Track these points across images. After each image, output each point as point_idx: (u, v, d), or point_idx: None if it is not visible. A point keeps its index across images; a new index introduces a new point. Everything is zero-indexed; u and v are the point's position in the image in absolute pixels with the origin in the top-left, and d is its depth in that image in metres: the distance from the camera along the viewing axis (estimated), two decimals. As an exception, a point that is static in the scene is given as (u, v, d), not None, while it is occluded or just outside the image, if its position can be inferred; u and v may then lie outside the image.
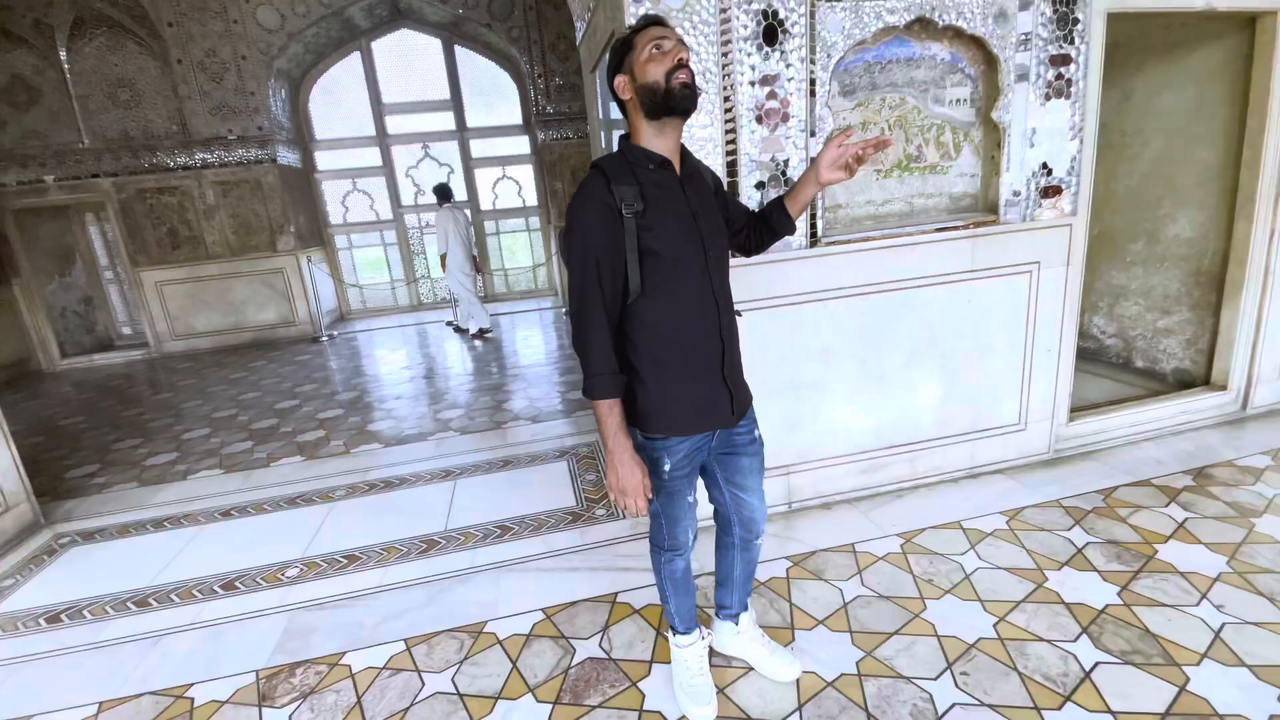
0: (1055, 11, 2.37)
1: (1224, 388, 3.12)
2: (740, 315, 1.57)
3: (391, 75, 8.33)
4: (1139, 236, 3.47)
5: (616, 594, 2.20)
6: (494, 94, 8.67)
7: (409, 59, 8.34)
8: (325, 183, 8.54)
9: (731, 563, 1.71)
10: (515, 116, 8.71)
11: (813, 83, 2.25)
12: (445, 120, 8.63)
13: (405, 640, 2.06)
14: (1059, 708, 1.57)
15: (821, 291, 2.43)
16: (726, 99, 2.18)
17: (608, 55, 1.39)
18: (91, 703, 1.91)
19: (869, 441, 2.67)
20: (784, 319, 2.42)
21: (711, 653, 1.84)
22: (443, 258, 6.77)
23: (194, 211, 7.27)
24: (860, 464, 2.68)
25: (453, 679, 1.87)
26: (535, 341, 6.51)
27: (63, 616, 2.37)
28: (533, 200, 9.16)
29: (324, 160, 8.47)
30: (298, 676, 1.94)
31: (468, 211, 8.25)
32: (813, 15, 2.18)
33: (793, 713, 1.63)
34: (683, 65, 1.27)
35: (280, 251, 7.54)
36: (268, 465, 3.73)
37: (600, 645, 1.95)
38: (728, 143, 2.23)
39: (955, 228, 2.52)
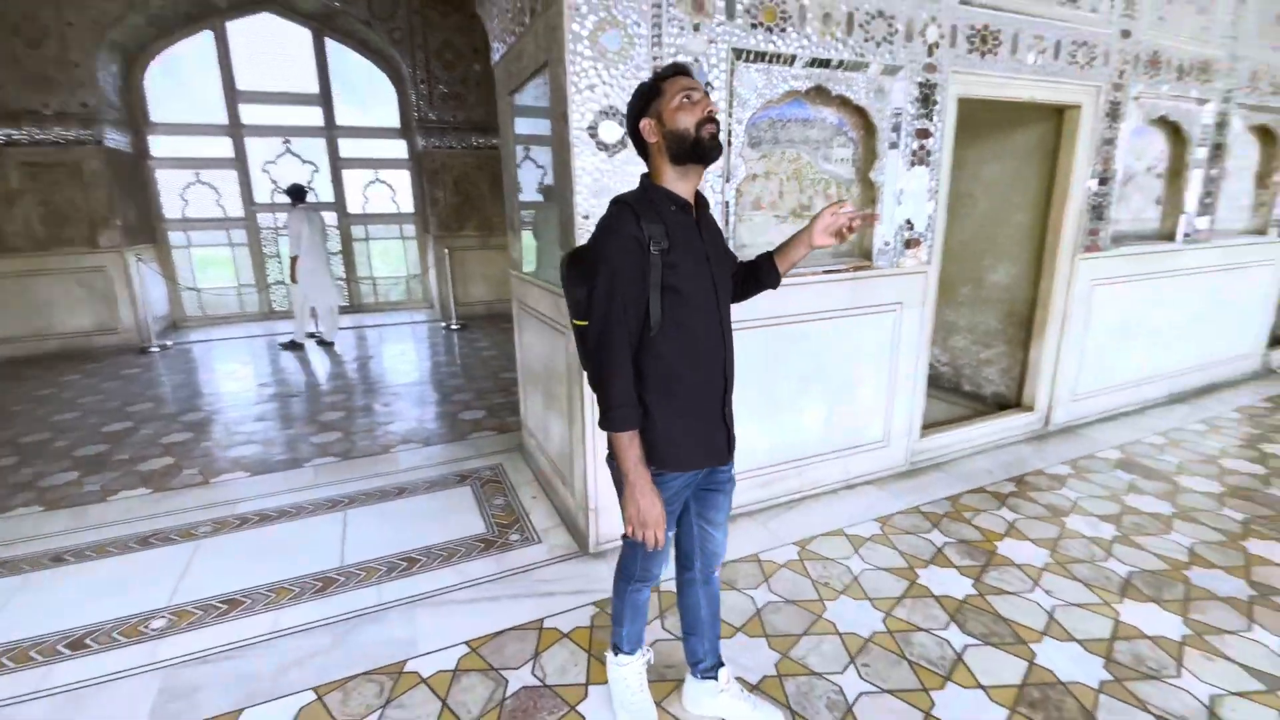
0: (921, 93, 2.81)
1: (1032, 409, 3.81)
2: None
3: (250, 61, 7.57)
4: (967, 282, 4.14)
5: (542, 620, 2.21)
6: (368, 94, 8.20)
7: (271, 46, 7.63)
8: (161, 172, 7.50)
9: (697, 601, 1.70)
10: (392, 119, 8.28)
11: (729, 133, 2.46)
12: (312, 115, 7.99)
13: (314, 689, 1.91)
14: (942, 687, 1.86)
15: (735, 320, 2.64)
16: (655, 142, 2.32)
17: (632, 98, 1.41)
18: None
19: (766, 459, 2.92)
20: (697, 347, 2.59)
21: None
22: (293, 262, 6.27)
23: (-14, 195, 6.06)
24: (759, 479, 2.92)
25: (376, 724, 1.77)
26: (410, 357, 6.20)
27: None
28: (408, 207, 8.74)
29: (161, 146, 7.45)
30: (186, 742, 1.73)
31: (324, 215, 7.70)
32: (732, 73, 2.40)
33: None
34: (712, 118, 1.34)
35: (103, 247, 6.49)
36: (104, 499, 3.21)
37: (533, 673, 1.96)
38: (653, 182, 2.37)
39: (839, 270, 2.86)
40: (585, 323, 1.40)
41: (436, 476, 3.43)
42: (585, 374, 1.53)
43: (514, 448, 3.76)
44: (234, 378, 5.53)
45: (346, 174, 8.32)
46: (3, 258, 6.21)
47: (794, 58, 2.52)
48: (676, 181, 1.40)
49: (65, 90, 6.12)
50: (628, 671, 1.75)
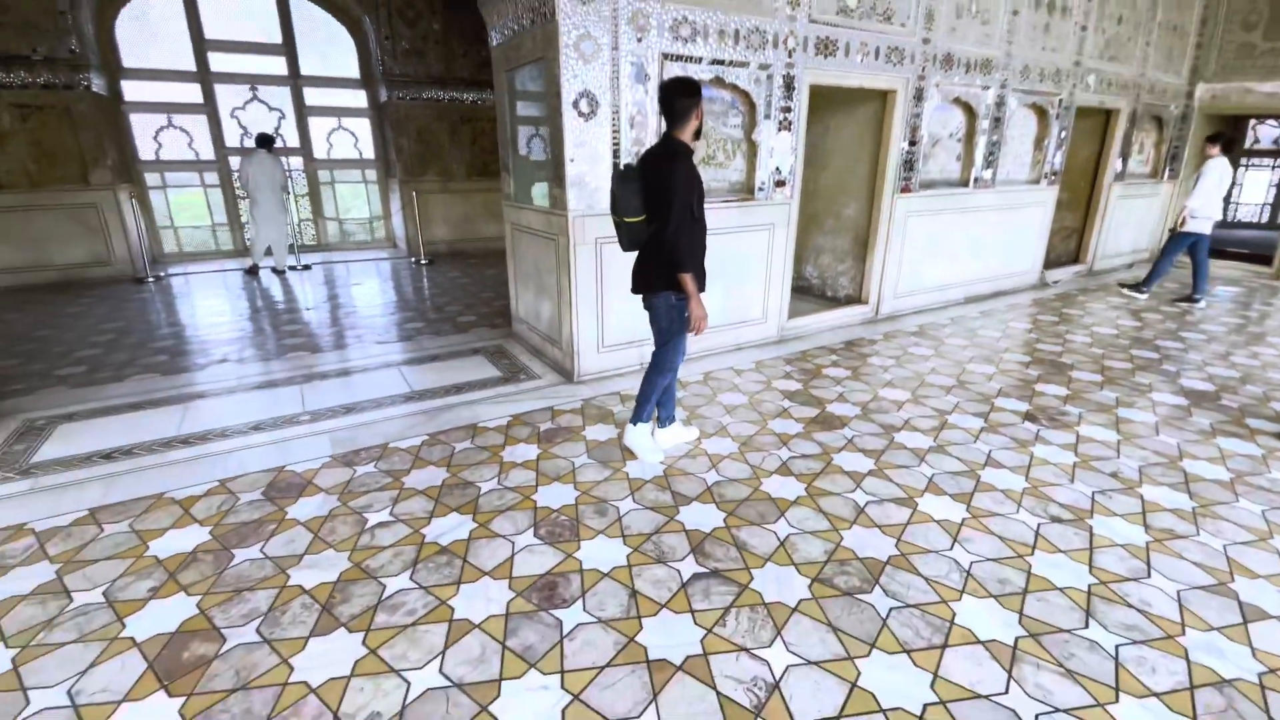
0: (784, 82, 4.29)
1: (866, 303, 5.54)
2: None
3: (216, 10, 8.11)
4: (830, 216, 5.77)
5: (551, 406, 3.68)
6: (329, 46, 8.88)
7: (236, -3, 8.19)
8: (134, 116, 8.04)
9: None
10: (352, 70, 9.03)
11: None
12: (277, 65, 8.64)
13: (427, 433, 3.31)
14: (778, 417, 3.47)
15: (662, 232, 4.10)
16: (615, 113, 3.70)
17: (686, 92, 2.57)
18: (213, 479, 2.87)
19: (686, 326, 4.44)
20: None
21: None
22: (247, 198, 7.32)
23: (-19, 134, 6.58)
24: (681, 340, 4.45)
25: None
26: (401, 284, 7.34)
27: (117, 454, 3.12)
28: (370, 153, 9.57)
29: (133, 91, 7.96)
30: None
31: (288, 160, 8.56)
32: (662, 67, 3.79)
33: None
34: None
35: (94, 185, 7.14)
36: (281, 355, 4.37)
37: (552, 423, 3.44)
38: (613, 138, 3.76)
39: (732, 200, 4.37)
40: (640, 218, 2.68)
41: (455, 351, 4.77)
42: (620, 245, 2.85)
43: (506, 335, 5.13)
44: (244, 299, 6.53)
45: (312, 120, 9.05)
46: (1, 193, 6.77)
47: (701, 58, 3.93)
48: (691, 142, 2.71)
49: (53, 37, 6.65)
50: (675, 430, 3.20)
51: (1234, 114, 8.38)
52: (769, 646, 1.92)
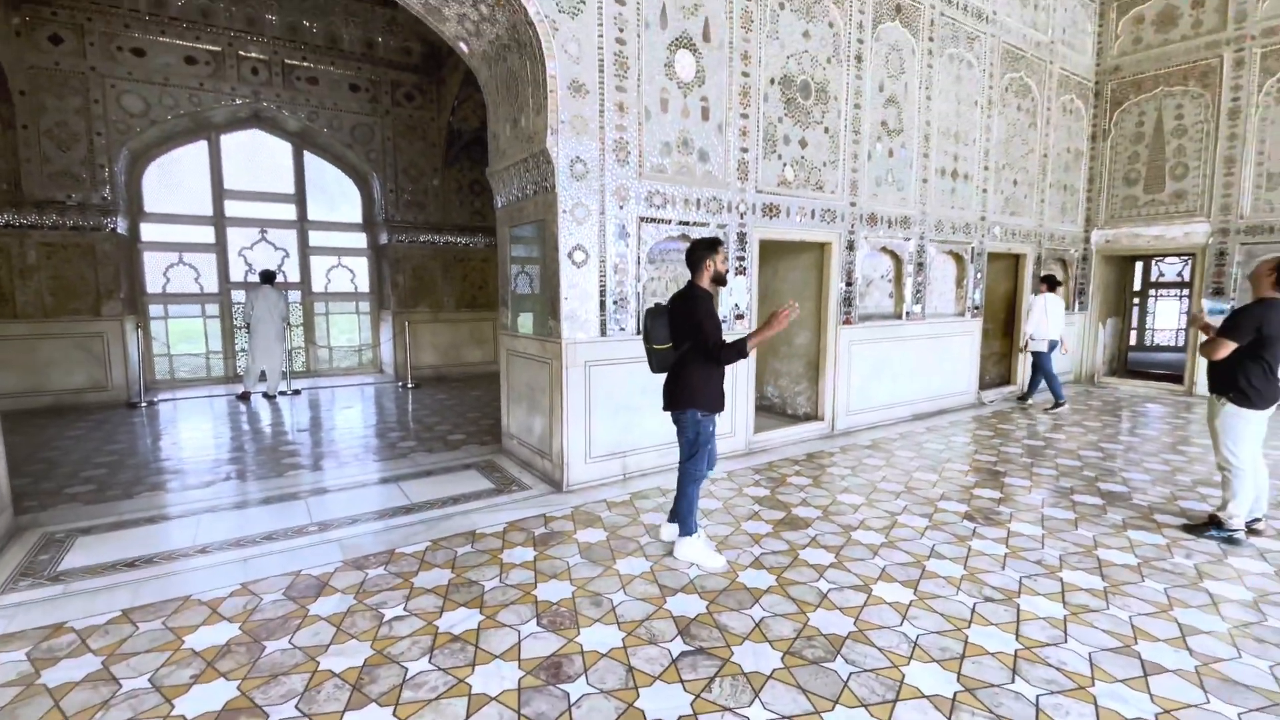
0: (738, 237, 5.19)
1: (823, 420, 6.16)
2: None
3: (237, 166, 9.14)
4: (785, 344, 6.55)
5: (545, 513, 4.04)
6: (338, 195, 9.94)
7: (257, 155, 9.27)
8: (148, 253, 8.72)
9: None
10: (356, 216, 10.04)
11: (639, 258, 4.65)
12: (287, 211, 9.59)
13: (429, 540, 3.62)
14: (748, 518, 3.89)
15: (643, 358, 4.72)
16: (602, 262, 4.45)
17: (705, 247, 3.26)
18: (235, 582, 3.11)
19: (664, 439, 4.94)
20: (623, 370, 4.64)
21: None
22: (246, 327, 7.89)
23: (7, 270, 7.10)
24: (659, 452, 4.92)
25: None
26: (388, 406, 7.74)
27: (139, 563, 3.34)
28: (364, 287, 10.35)
29: (150, 232, 8.70)
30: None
31: (288, 293, 9.29)
32: (639, 228, 4.62)
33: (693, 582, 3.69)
34: (728, 267, 3.47)
35: (105, 316, 7.61)
36: (281, 474, 4.63)
37: (545, 528, 3.79)
38: (600, 281, 4.48)
39: (701, 330, 5.07)
40: (668, 345, 3.29)
41: (448, 467, 5.13)
42: (650, 368, 3.42)
43: (496, 451, 5.53)
44: (240, 423, 6.83)
45: (314, 259, 9.87)
46: (14, 322, 7.17)
47: (671, 220, 4.80)
48: (709, 286, 3.34)
49: (88, 185, 7.44)
50: (699, 542, 3.40)
51: (1128, 255, 9.84)
52: (749, 706, 2.24)
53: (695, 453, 3.36)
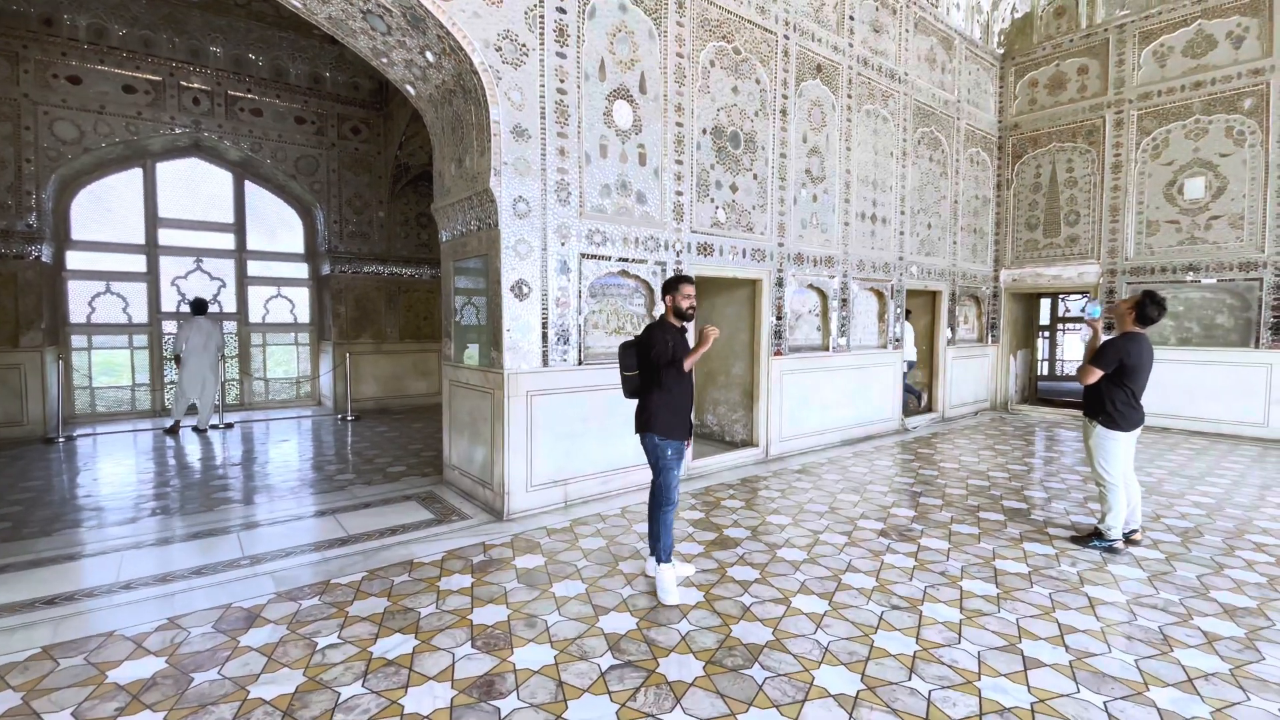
0: (676, 274, 5.49)
1: (757, 446, 6.46)
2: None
3: (174, 194, 8.96)
4: (723, 374, 6.86)
5: (484, 542, 4.12)
6: (278, 224, 9.84)
7: (195, 183, 9.12)
8: (73, 282, 8.38)
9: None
10: (298, 246, 9.94)
11: (580, 292, 4.88)
12: (225, 240, 9.41)
13: (366, 570, 3.65)
14: (687, 542, 4.08)
15: (584, 388, 4.92)
16: (544, 295, 4.65)
17: (668, 282, 3.47)
18: (162, 617, 3.07)
19: (605, 466, 5.10)
20: (565, 399, 4.81)
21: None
22: (176, 359, 7.69)
23: (-86, 298, 6.73)
24: (600, 479, 5.08)
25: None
26: (327, 440, 7.61)
27: (59, 600, 3.24)
28: (304, 318, 10.18)
29: (77, 260, 8.39)
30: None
31: (224, 323, 9.10)
32: (581, 264, 4.86)
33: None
34: (692, 304, 3.46)
35: (24, 347, 7.26)
36: (208, 508, 4.49)
37: (484, 555, 3.87)
38: (542, 314, 4.67)
39: (640, 362, 5.31)
40: (635, 372, 3.45)
41: (387, 498, 5.13)
42: (624, 392, 3.55)
43: (437, 482, 5.56)
44: (167, 458, 6.60)
45: (252, 289, 9.67)
46: (-83, 355, 6.76)
47: (611, 256, 5.06)
48: (676, 320, 3.48)
49: (13, 213, 7.17)
50: (668, 571, 3.38)
51: (1033, 292, 10.73)
52: (670, 712, 2.40)
53: (659, 474, 3.46)
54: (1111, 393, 4.01)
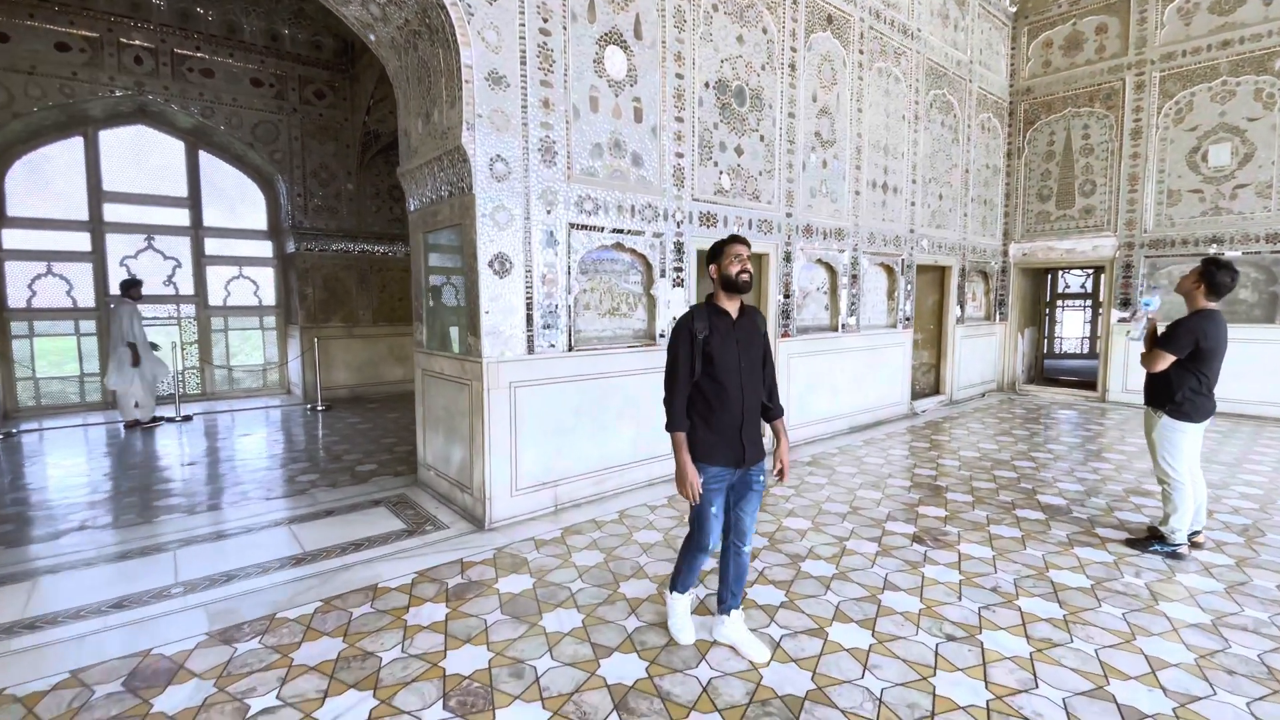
0: (675, 246, 4.89)
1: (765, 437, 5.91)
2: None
3: (119, 165, 8.13)
4: (727, 357, 6.29)
5: (462, 559, 3.55)
6: (238, 199, 9.04)
7: (144, 154, 8.29)
8: (10, 263, 7.58)
9: (728, 562, 2.60)
10: (260, 223, 9.16)
11: (569, 268, 4.26)
12: (179, 216, 8.61)
13: (322, 599, 3.07)
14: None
15: (574, 376, 4.33)
16: (528, 272, 4.03)
17: (710, 250, 2.46)
18: (64, 670, 2.48)
19: (599, 464, 4.54)
20: (553, 391, 4.22)
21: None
22: (132, 348, 6.96)
23: None
24: (594, 479, 4.52)
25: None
26: (295, 433, 6.97)
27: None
28: (270, 300, 9.44)
29: (13, 239, 7.58)
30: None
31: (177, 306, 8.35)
32: (569, 235, 4.23)
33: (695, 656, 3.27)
34: (745, 269, 2.41)
35: (-55, 335, 6.50)
36: (149, 520, 3.87)
37: (462, 578, 3.30)
38: (527, 293, 4.06)
39: (637, 346, 4.72)
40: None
41: (353, 504, 4.53)
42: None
43: (411, 483, 4.97)
44: (111, 457, 5.93)
45: (210, 269, 8.90)
46: None
47: (604, 227, 4.44)
48: (725, 301, 2.46)
49: (-73, 186, 6.36)
50: (678, 603, 2.72)
51: (1043, 268, 10.25)
52: (697, 803, 1.87)
53: (691, 509, 2.57)
54: (1182, 379, 3.50)
